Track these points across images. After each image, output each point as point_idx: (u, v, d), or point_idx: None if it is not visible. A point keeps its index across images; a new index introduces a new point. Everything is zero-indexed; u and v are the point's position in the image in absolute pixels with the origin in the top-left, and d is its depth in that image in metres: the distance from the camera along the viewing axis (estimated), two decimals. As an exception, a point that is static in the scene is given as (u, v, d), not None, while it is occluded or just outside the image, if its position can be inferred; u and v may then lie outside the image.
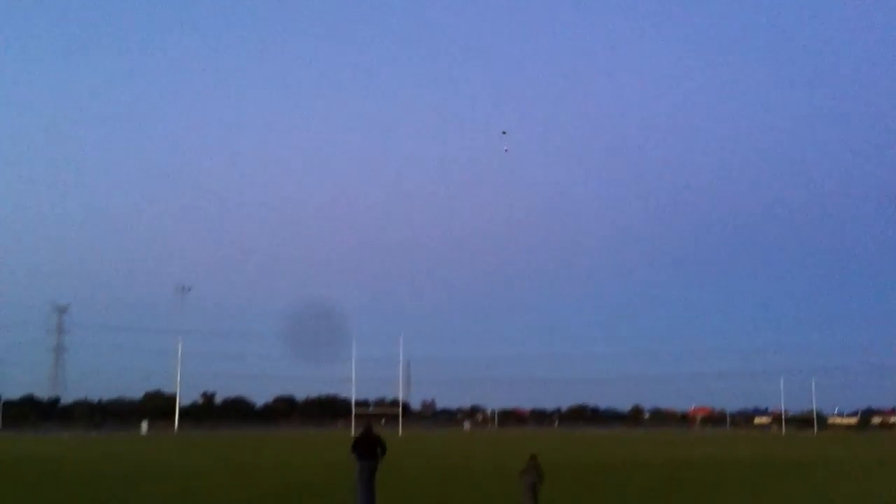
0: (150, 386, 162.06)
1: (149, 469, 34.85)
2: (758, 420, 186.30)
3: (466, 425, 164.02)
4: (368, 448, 18.07)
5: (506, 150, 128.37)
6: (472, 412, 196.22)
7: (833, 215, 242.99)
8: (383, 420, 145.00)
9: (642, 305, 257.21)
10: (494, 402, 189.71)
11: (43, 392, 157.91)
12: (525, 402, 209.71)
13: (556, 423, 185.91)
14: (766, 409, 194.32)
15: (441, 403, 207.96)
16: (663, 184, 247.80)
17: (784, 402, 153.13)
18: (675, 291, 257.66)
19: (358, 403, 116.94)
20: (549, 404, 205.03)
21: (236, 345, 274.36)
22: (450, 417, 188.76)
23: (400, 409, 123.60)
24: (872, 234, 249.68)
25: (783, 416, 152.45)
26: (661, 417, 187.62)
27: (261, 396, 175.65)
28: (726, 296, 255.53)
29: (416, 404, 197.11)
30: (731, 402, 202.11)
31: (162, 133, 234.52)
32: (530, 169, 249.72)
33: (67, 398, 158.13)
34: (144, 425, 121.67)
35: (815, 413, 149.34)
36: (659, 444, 71.25)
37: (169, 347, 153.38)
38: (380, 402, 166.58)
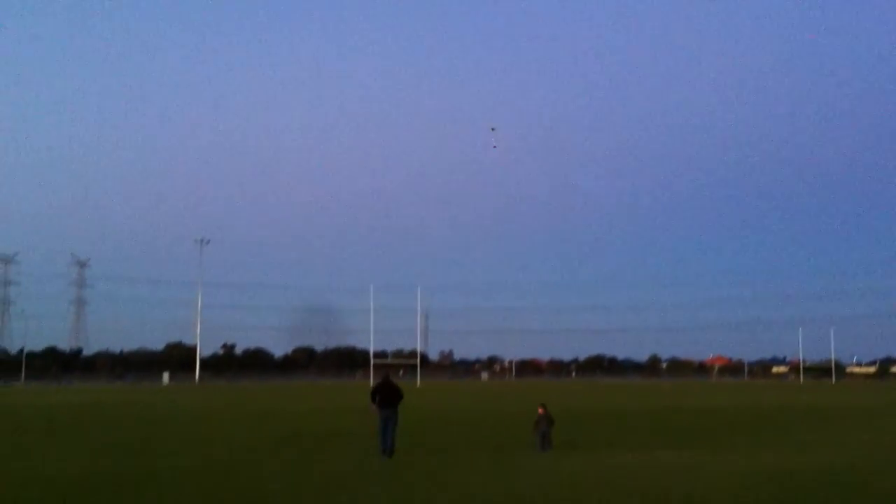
0: (171, 338, 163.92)
1: (172, 415, 35.29)
2: (776, 369, 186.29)
3: (484, 375, 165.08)
4: (387, 396, 18.50)
5: (494, 147, 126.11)
6: (490, 363, 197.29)
7: (853, 162, 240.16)
8: (401, 371, 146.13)
9: (659, 256, 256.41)
10: (512, 353, 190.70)
11: (65, 344, 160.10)
12: (542, 353, 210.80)
13: (573, 373, 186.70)
14: (784, 358, 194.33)
15: (459, 354, 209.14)
16: (677, 130, 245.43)
17: (802, 351, 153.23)
18: (692, 242, 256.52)
19: (376, 354, 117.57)
20: (566, 355, 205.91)
21: (256, 297, 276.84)
22: (467, 368, 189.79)
23: (418, 360, 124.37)
24: (893, 182, 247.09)
25: (801, 366, 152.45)
26: (679, 367, 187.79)
27: (280, 348, 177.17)
28: (744, 246, 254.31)
29: (433, 355, 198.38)
30: (749, 352, 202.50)
31: (182, 87, 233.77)
32: (546, 124, 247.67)
33: (89, 350, 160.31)
34: (166, 376, 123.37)
35: (833, 362, 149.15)
36: (675, 392, 71.46)
37: (189, 300, 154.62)
38: (398, 353, 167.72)
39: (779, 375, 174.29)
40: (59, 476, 14.66)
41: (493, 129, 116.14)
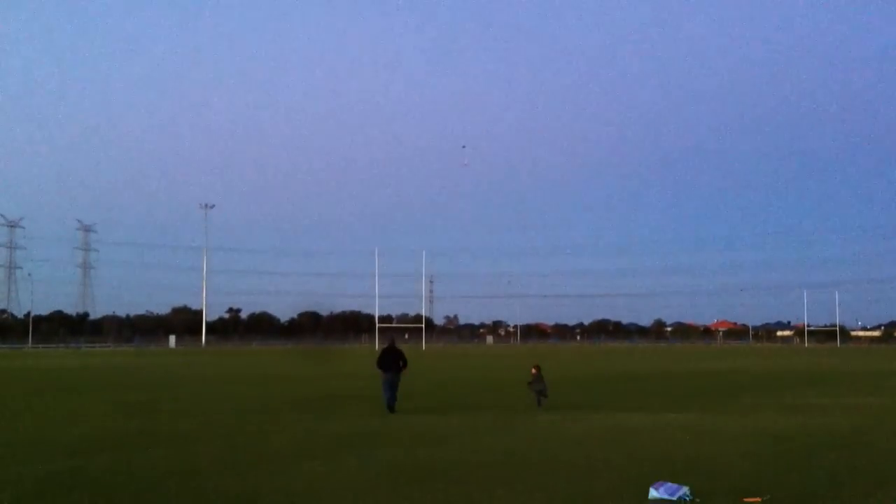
0: (177, 302, 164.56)
1: (178, 377, 35.51)
2: (781, 333, 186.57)
3: (489, 339, 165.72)
4: (392, 361, 19.31)
5: (466, 164, 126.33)
6: (495, 327, 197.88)
7: (862, 126, 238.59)
8: (406, 334, 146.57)
9: (664, 221, 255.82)
10: (517, 317, 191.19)
11: (72, 308, 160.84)
12: (547, 317, 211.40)
13: (578, 337, 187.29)
14: (789, 322, 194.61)
15: (464, 319, 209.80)
16: (682, 90, 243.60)
17: (807, 315, 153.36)
18: (697, 206, 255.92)
19: (381, 318, 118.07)
20: (571, 320, 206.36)
21: (261, 261, 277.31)
22: (473, 332, 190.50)
23: (423, 324, 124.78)
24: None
25: (806, 329, 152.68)
26: (684, 331, 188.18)
27: (285, 312, 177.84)
28: (749, 210, 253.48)
29: (438, 319, 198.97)
30: (754, 317, 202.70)
31: (188, 49, 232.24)
32: (552, 82, 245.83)
33: (96, 314, 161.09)
34: (172, 339, 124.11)
35: (838, 326, 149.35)
36: (679, 355, 71.66)
37: (195, 264, 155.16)
38: (403, 318, 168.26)
39: (784, 339, 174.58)
40: (66, 436, 14.75)
41: (463, 147, 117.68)
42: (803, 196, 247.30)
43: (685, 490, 8.83)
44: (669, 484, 9.07)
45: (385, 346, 20.14)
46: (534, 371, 20.38)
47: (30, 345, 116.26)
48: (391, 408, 18.91)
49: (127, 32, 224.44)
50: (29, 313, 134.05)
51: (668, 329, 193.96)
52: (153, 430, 15.50)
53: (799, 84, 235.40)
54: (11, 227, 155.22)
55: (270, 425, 16.21)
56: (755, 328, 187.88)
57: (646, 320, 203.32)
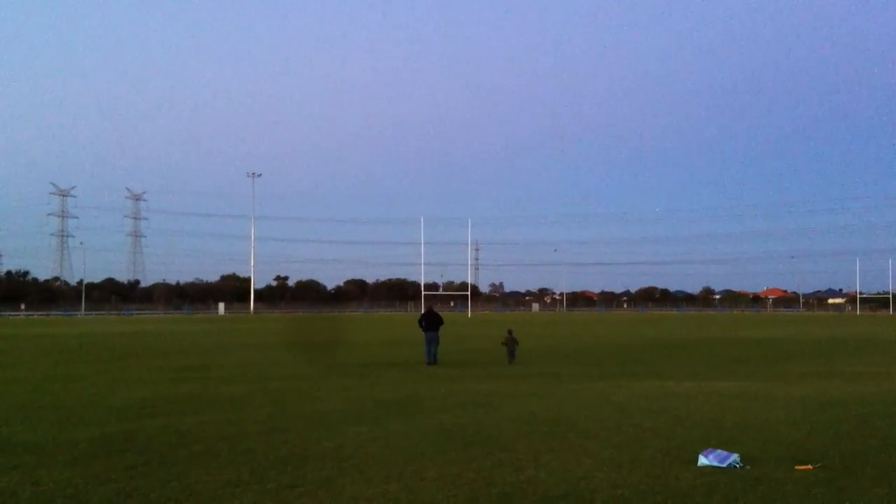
0: (226, 270, 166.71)
1: (228, 341, 36.03)
2: (832, 301, 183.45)
3: (535, 307, 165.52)
4: (430, 322, 23.82)
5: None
6: (541, 294, 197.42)
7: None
8: (452, 302, 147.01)
9: (714, 188, 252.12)
10: (563, 285, 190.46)
11: (122, 276, 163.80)
12: (594, 285, 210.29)
13: (624, 304, 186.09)
14: (841, 290, 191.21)
15: (509, 286, 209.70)
16: (726, 54, 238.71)
17: (859, 282, 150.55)
18: (747, 173, 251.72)
19: (427, 286, 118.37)
20: (617, 287, 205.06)
21: (308, 230, 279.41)
22: (518, 300, 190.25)
23: (469, 291, 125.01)
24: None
25: (858, 297, 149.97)
26: (733, 299, 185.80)
27: (332, 280, 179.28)
28: (800, 176, 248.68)
29: (484, 287, 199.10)
30: (804, 284, 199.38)
31: (235, 20, 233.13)
32: (596, 51, 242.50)
33: (146, 282, 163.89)
34: (221, 306, 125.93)
35: (891, 293, 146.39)
36: (728, 322, 70.93)
37: (243, 232, 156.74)
38: (448, 285, 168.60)
39: (835, 307, 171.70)
40: (119, 400, 15.05)
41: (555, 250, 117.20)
42: (855, 162, 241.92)
43: (735, 457, 8.73)
44: (719, 451, 8.97)
45: (425, 310, 24.94)
46: (507, 334, 24.30)
47: (82, 312, 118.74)
48: (430, 362, 23.05)
49: (177, 3, 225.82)
50: (81, 281, 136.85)
51: (717, 297, 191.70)
52: (203, 395, 15.75)
53: (852, 42, 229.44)
54: (63, 195, 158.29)
55: (317, 391, 16.37)
56: (806, 296, 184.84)
57: (693, 288, 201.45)
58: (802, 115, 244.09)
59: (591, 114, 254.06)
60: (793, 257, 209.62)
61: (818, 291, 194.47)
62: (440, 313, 24.88)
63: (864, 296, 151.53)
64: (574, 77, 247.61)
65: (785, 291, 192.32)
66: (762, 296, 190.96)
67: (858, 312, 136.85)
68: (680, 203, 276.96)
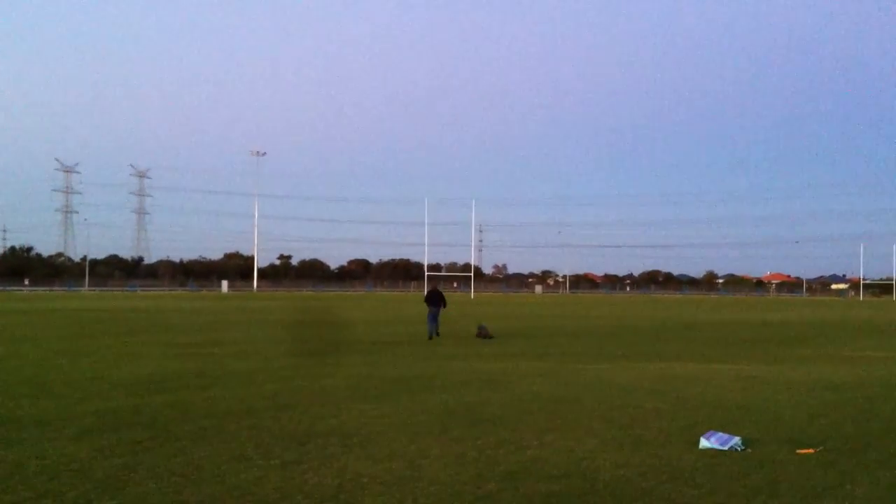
0: (229, 248, 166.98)
1: (232, 318, 36.12)
2: (835, 286, 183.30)
3: (538, 289, 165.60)
4: (434, 300, 26.73)
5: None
6: (544, 276, 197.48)
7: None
8: (455, 283, 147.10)
9: (718, 171, 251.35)
10: (567, 267, 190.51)
11: (127, 253, 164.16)
12: (597, 268, 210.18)
13: (628, 287, 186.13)
14: (844, 275, 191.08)
15: (513, 268, 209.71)
16: (730, 35, 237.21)
17: (863, 268, 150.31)
18: (750, 157, 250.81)
19: (430, 267, 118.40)
20: (621, 270, 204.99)
21: (312, 209, 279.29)
22: (521, 281, 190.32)
23: (472, 272, 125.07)
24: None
25: (861, 283, 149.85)
26: (736, 283, 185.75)
27: (335, 259, 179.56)
28: (803, 161, 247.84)
29: (487, 269, 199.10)
30: (808, 270, 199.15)
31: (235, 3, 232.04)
32: (598, 34, 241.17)
33: (150, 259, 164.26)
34: (225, 284, 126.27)
35: (894, 279, 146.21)
36: (730, 306, 70.94)
37: (247, 210, 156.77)
38: (452, 266, 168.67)
39: (838, 292, 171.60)
40: (125, 375, 15.11)
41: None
42: (859, 147, 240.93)
43: (737, 440, 8.77)
44: (721, 434, 9.01)
45: (430, 289, 28.31)
46: (478, 329, 26.63)
47: (86, 287, 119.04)
48: (431, 336, 25.62)
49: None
50: (85, 257, 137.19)
51: (720, 281, 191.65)
52: (209, 371, 15.82)
53: (858, 26, 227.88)
54: (67, 172, 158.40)
55: (322, 368, 16.43)
56: (809, 281, 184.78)
57: (697, 272, 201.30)
58: (808, 98, 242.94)
59: (596, 95, 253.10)
60: (797, 242, 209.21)
61: (822, 277, 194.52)
62: (443, 293, 27.79)
63: (868, 281, 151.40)
64: (578, 57, 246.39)
65: (788, 276, 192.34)
66: (766, 280, 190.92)
67: (862, 298, 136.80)
68: (684, 186, 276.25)
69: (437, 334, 25.92)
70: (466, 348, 22.01)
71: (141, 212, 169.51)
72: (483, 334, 26.10)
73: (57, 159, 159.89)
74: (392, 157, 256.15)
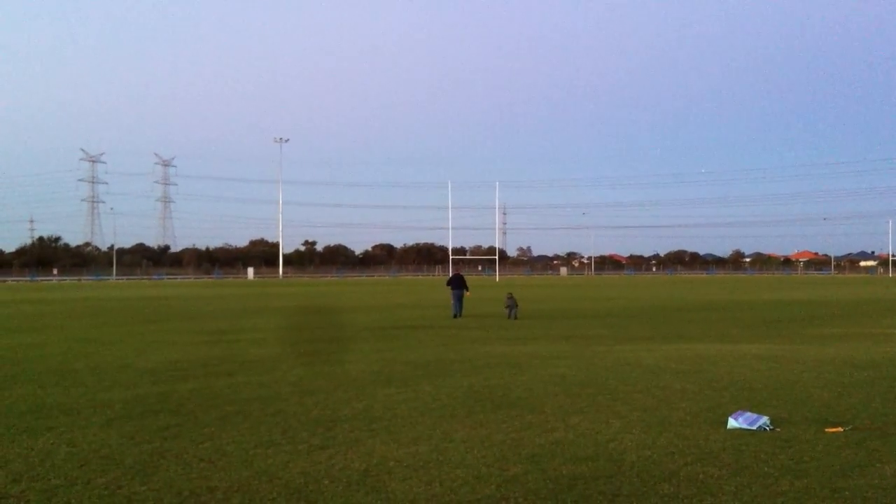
0: (254, 235, 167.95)
1: (258, 305, 36.32)
2: (864, 263, 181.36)
3: (563, 271, 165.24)
4: (457, 283, 28.60)
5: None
6: (569, 258, 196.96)
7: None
8: (480, 266, 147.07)
9: (744, 149, 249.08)
10: (591, 248, 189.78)
11: (153, 241, 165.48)
12: (622, 249, 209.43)
13: (653, 268, 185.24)
14: (873, 252, 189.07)
15: (537, 250, 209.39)
16: (759, 18, 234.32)
17: (892, 245, 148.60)
18: (776, 136, 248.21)
19: (454, 251, 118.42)
20: (646, 251, 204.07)
21: (336, 195, 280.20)
22: (546, 264, 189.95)
23: (497, 255, 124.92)
24: None
25: (890, 259, 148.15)
26: (763, 262, 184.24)
27: (360, 244, 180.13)
28: (831, 138, 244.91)
29: (512, 251, 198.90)
30: (836, 247, 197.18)
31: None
32: (624, 18, 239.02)
33: (176, 247, 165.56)
34: (250, 271, 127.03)
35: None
36: (758, 285, 70.30)
37: (271, 197, 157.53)
38: (476, 249, 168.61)
39: (867, 269, 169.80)
40: (151, 363, 15.24)
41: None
42: (887, 123, 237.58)
43: (765, 420, 8.70)
44: (749, 413, 8.94)
45: (453, 274, 29.87)
46: (507, 297, 27.67)
47: (114, 276, 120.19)
48: (456, 315, 27.69)
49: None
50: (112, 246, 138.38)
51: (747, 259, 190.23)
52: (234, 357, 15.91)
53: (887, 2, 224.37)
54: (93, 162, 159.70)
55: (346, 353, 16.49)
56: (837, 258, 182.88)
57: (723, 251, 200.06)
58: (835, 76, 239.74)
59: (621, 76, 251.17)
60: (825, 219, 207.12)
61: (850, 254, 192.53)
62: (466, 277, 29.95)
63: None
64: (604, 40, 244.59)
65: (816, 254, 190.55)
66: (793, 258, 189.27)
67: (891, 275, 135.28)
68: (710, 165, 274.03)
69: (461, 315, 27.85)
70: (490, 332, 21.98)
71: (166, 200, 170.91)
72: (511, 305, 27.14)
73: (82, 149, 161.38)
74: (415, 141, 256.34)
